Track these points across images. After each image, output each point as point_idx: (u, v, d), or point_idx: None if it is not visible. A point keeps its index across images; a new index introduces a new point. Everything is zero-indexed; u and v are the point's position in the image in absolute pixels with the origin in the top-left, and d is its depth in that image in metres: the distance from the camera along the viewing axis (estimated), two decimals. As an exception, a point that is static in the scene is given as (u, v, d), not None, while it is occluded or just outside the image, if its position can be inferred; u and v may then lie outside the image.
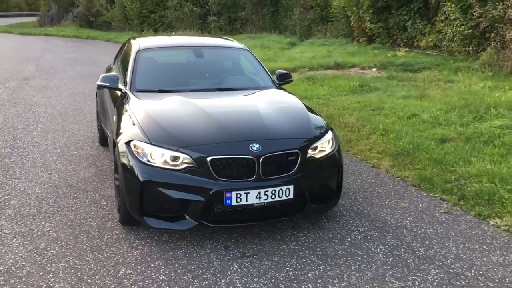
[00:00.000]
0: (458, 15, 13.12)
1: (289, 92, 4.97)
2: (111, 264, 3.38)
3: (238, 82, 5.07)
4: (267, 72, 5.24)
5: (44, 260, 3.42)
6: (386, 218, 4.23)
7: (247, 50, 5.50)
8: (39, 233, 3.82)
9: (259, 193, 3.52)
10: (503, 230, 3.98)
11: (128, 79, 4.70)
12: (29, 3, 73.79)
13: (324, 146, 3.94)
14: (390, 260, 3.50)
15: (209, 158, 3.47)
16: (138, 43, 5.20)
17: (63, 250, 3.56)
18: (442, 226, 4.08)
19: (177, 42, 5.91)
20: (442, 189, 4.81)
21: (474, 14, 12.51)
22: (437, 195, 4.72)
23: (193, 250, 3.60)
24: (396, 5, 16.40)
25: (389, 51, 15.06)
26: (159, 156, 3.54)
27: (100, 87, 5.00)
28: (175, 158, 3.52)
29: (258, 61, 5.37)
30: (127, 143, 3.71)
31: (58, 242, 3.68)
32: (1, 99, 9.42)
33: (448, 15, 13.81)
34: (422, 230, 4.00)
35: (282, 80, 5.25)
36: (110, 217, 4.13)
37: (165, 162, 3.53)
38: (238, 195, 3.48)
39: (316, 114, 4.43)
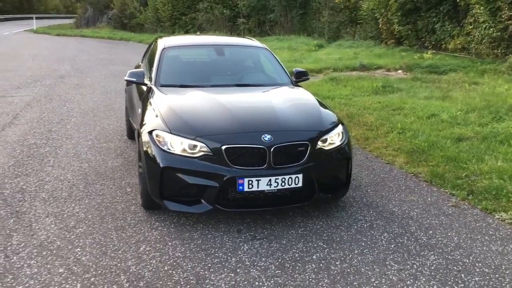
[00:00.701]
0: (487, 18, 13.08)
1: (304, 89, 5.20)
2: (133, 241, 3.70)
3: (256, 78, 5.35)
4: (284, 70, 5.50)
5: (73, 236, 3.76)
6: (393, 209, 4.42)
7: (266, 49, 5.78)
8: (69, 213, 4.18)
9: (270, 180, 3.78)
10: (508, 223, 4.12)
11: (153, 75, 5.04)
12: (66, 6, 76.02)
13: (334, 139, 4.17)
14: (393, 246, 3.71)
15: (223, 147, 3.75)
16: (164, 42, 5.55)
17: (90, 228, 3.90)
18: (448, 218, 4.24)
19: (200, 41, 6.25)
20: (452, 184, 4.96)
21: (503, 16, 12.46)
22: (447, 190, 4.88)
23: (208, 232, 3.88)
24: (425, 8, 16.40)
25: (416, 53, 15.08)
26: (178, 144, 3.84)
27: (128, 82, 5.35)
28: (193, 147, 3.82)
29: (277, 60, 5.63)
30: (150, 133, 4.02)
31: (86, 221, 4.02)
32: (38, 96, 9.95)
33: (477, 18, 13.77)
34: (428, 221, 4.18)
35: (299, 78, 5.50)
36: (134, 201, 4.46)
37: (184, 150, 3.83)
38: (250, 182, 3.75)
39: (328, 109, 4.65)
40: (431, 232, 3.96)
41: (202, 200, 3.84)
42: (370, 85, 10.40)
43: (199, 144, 3.81)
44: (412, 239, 3.82)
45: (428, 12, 16.36)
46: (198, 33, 22.34)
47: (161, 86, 4.86)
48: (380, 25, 19.04)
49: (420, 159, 5.76)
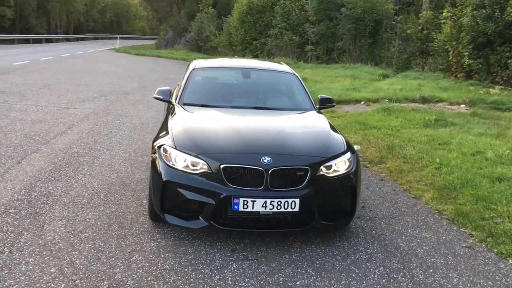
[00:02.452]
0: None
1: (323, 116, 5.17)
2: (129, 250, 3.85)
3: (277, 103, 5.42)
4: (309, 97, 5.53)
5: (76, 240, 3.98)
6: (400, 244, 4.27)
7: (293, 74, 5.84)
8: (81, 219, 4.42)
9: (265, 202, 3.81)
10: (521, 270, 3.85)
11: (179, 93, 5.27)
12: (152, 28, 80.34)
13: (339, 166, 4.13)
14: (384, 281, 3.58)
15: (222, 166, 3.84)
16: (195, 63, 5.79)
17: (94, 234, 4.11)
18: (456, 258, 4.04)
19: (230, 63, 6.43)
20: (474, 225, 4.71)
21: None
22: (466, 231, 4.64)
23: (203, 248, 3.96)
24: (499, 42, 15.72)
25: (483, 88, 14.44)
26: (182, 160, 3.98)
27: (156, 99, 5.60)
28: (195, 164, 3.94)
29: (303, 86, 5.67)
30: (159, 147, 4.20)
31: (94, 227, 4.24)
32: (98, 109, 10.60)
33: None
34: (432, 259, 4.00)
35: (323, 105, 5.51)
36: (145, 213, 4.63)
37: (187, 166, 3.95)
38: (245, 202, 3.80)
39: (340, 137, 4.60)
40: (431, 271, 3.78)
41: (200, 217, 3.93)
42: (422, 118, 10.10)
43: (200, 161, 3.92)
44: (408, 276, 3.67)
45: (502, 46, 15.67)
46: (235, 56, 22.79)
47: (184, 105, 5.07)
48: (450, 58, 18.47)
49: (449, 196, 5.52)
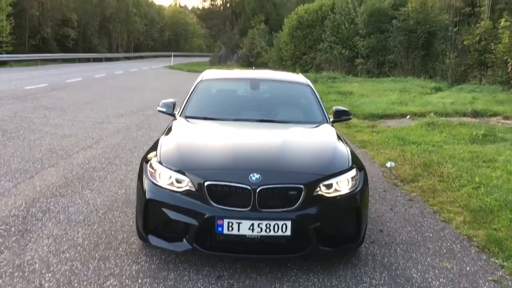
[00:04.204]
0: None
1: (333, 130, 4.69)
2: (106, 274, 3.56)
3: (285, 115, 5.01)
4: (322, 109, 5.09)
5: (55, 260, 3.74)
6: (414, 275, 3.73)
7: (307, 85, 5.43)
8: (69, 237, 4.20)
9: (252, 224, 3.41)
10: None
11: (182, 106, 4.98)
12: (208, 45, 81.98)
13: (341, 185, 3.67)
14: (383, 320, 3.08)
15: (206, 183, 3.49)
16: (203, 75, 5.51)
17: (76, 255, 3.86)
18: (477, 294, 3.46)
19: (240, 75, 6.09)
20: (508, 254, 4.10)
21: None
22: (497, 261, 4.03)
23: (187, 274, 3.61)
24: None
25: (544, 102, 13.33)
26: (166, 177, 3.66)
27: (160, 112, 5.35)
28: (180, 180, 3.61)
29: (316, 98, 5.24)
30: (146, 162, 3.92)
31: (78, 247, 4.00)
32: (132, 124, 10.57)
33: None
34: (448, 295, 3.44)
35: (338, 117, 5.06)
36: (138, 232, 4.35)
37: (171, 183, 3.63)
38: (230, 224, 3.42)
39: (346, 150, 4.12)
40: (443, 309, 3.24)
41: (184, 239, 3.59)
42: (469, 133, 9.35)
43: (186, 178, 3.59)
44: (413, 315, 3.15)
45: None
46: (253, 67, 22.38)
47: (186, 117, 4.78)
48: (509, 70, 17.33)
49: (483, 220, 4.89)
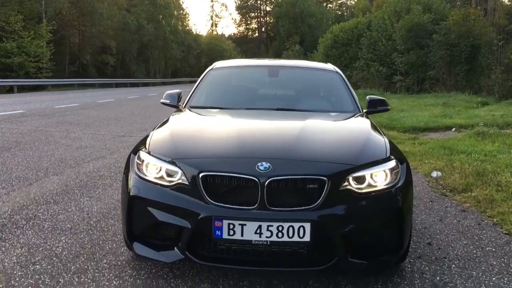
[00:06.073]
0: None
1: (368, 120, 3.83)
2: (77, 290, 2.82)
3: (308, 104, 4.20)
4: (353, 98, 4.26)
5: (20, 273, 3.04)
6: (476, 298, 2.82)
7: (336, 72, 4.62)
8: (47, 247, 3.50)
9: (260, 227, 2.61)
10: None
11: (188, 96, 4.28)
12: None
13: (377, 179, 2.83)
14: None
15: (201, 174, 2.72)
16: (216, 63, 4.79)
17: (48, 267, 3.14)
18: None
19: (257, 62, 5.34)
20: None
21: None
22: None
23: (178, 292, 2.82)
24: None
25: None
26: (155, 169, 2.93)
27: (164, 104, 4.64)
28: (172, 173, 2.86)
29: (347, 86, 4.42)
30: (134, 153, 3.20)
31: (54, 258, 3.29)
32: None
33: None
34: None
35: (373, 107, 4.22)
36: (130, 242, 3.60)
37: (161, 177, 2.89)
38: (231, 226, 2.63)
39: (383, 139, 3.28)
40: None
41: (176, 247, 2.81)
42: (526, 142, 8.26)
43: (179, 170, 2.84)
44: None
45: None
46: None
47: (190, 107, 4.07)
48: None
49: (559, 233, 3.90)
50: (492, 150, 7.90)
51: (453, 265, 3.34)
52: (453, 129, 11.48)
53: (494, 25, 25.21)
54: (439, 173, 6.45)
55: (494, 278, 3.13)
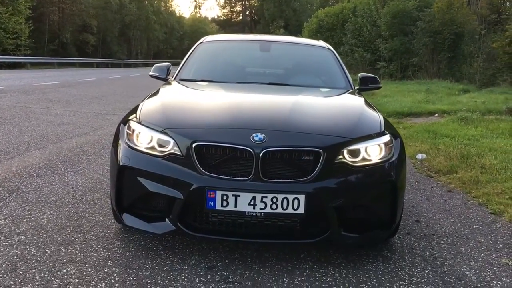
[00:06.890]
0: None
1: (361, 97, 3.80)
2: (65, 260, 2.75)
3: (300, 79, 4.16)
4: (346, 75, 4.24)
5: (4, 243, 2.95)
6: (466, 273, 2.84)
7: (328, 49, 4.59)
8: (32, 218, 3.41)
9: (254, 198, 2.57)
10: None
11: (177, 70, 4.19)
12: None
13: (371, 152, 2.81)
14: (432, 329, 2.20)
15: (194, 144, 2.67)
16: (206, 37, 4.71)
17: (34, 237, 3.07)
18: (557, 299, 2.55)
19: (248, 37, 5.27)
20: None
21: None
22: None
23: (169, 263, 2.78)
24: None
25: None
26: (146, 139, 2.86)
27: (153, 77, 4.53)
28: (164, 143, 2.79)
29: (339, 63, 4.40)
30: (124, 123, 3.12)
31: (39, 230, 3.20)
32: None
33: None
34: (518, 299, 2.54)
35: (365, 85, 4.19)
36: (118, 216, 3.54)
37: (152, 147, 2.82)
38: (225, 197, 2.58)
39: (377, 114, 3.26)
40: (514, 317, 2.34)
41: (167, 218, 2.76)
42: (508, 127, 8.36)
43: (171, 140, 2.78)
44: (474, 324, 2.26)
45: None
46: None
47: (180, 80, 3.98)
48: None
49: (544, 213, 3.96)
50: (476, 135, 7.99)
51: (442, 242, 3.36)
52: (436, 114, 11.58)
53: (477, 15, 25.42)
54: (424, 155, 6.50)
55: (482, 254, 3.16)
